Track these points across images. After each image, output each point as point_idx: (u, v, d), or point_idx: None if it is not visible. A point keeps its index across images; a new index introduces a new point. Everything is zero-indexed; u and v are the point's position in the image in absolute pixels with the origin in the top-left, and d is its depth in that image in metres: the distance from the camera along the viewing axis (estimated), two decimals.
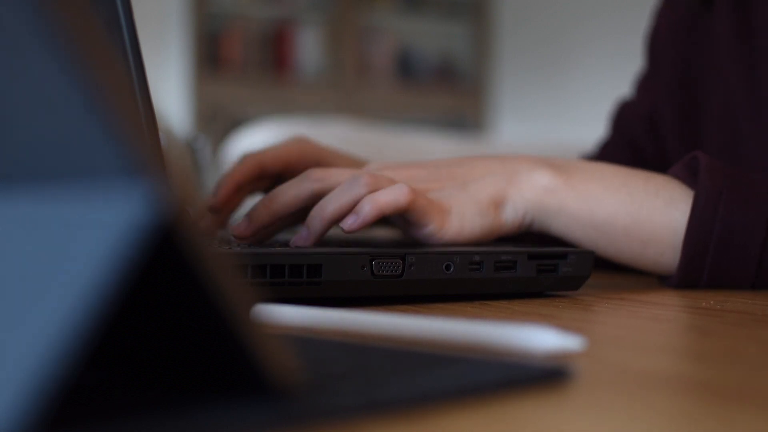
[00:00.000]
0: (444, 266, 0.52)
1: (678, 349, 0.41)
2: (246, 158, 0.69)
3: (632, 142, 0.89)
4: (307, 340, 0.35)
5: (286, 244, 0.56)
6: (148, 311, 0.26)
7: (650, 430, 0.25)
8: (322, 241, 0.57)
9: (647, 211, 0.60)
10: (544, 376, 0.29)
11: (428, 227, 0.57)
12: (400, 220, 0.58)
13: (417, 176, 0.60)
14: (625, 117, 0.91)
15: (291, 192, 0.58)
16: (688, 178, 0.61)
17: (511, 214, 0.60)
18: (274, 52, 3.88)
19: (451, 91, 4.17)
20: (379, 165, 0.62)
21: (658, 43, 0.89)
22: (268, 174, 0.70)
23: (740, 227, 0.58)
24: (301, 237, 0.55)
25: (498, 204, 0.59)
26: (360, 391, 0.27)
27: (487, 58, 4.21)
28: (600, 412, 0.26)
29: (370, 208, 0.54)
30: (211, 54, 3.74)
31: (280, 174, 0.70)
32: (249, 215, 0.58)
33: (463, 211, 0.58)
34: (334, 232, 0.58)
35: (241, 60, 3.81)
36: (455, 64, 4.23)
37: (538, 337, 0.33)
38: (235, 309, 0.24)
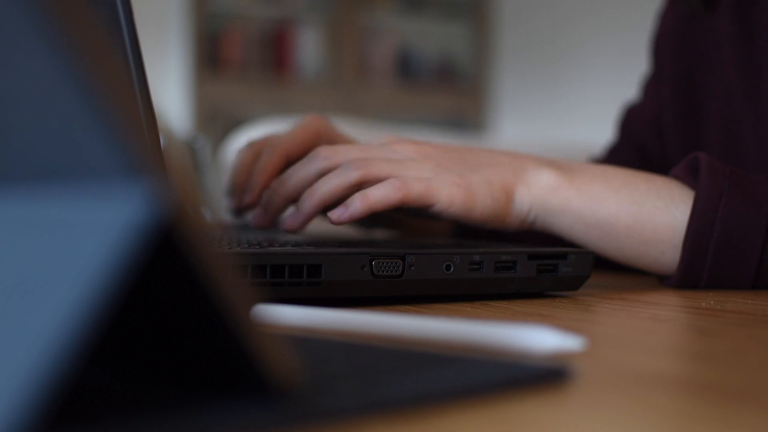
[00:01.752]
0: (444, 266, 0.52)
1: (678, 349, 0.41)
2: (273, 151, 0.68)
3: (640, 146, 0.89)
4: (307, 340, 0.35)
5: (286, 244, 0.56)
6: (149, 311, 0.26)
7: (650, 430, 0.25)
8: (322, 241, 0.57)
9: (648, 211, 0.60)
10: (544, 376, 0.29)
11: (436, 205, 0.57)
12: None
13: (426, 152, 0.60)
14: (632, 121, 0.91)
15: (300, 174, 0.58)
16: (689, 178, 0.61)
17: (518, 207, 0.60)
18: (274, 52, 3.88)
19: (451, 91, 4.17)
20: (390, 139, 0.62)
21: (662, 45, 0.89)
22: (292, 161, 0.69)
23: (740, 228, 0.58)
24: (291, 217, 0.55)
25: (508, 192, 0.60)
26: (360, 391, 0.27)
27: (487, 58, 4.21)
28: (600, 412, 0.26)
29: (360, 203, 0.54)
30: (211, 54, 3.74)
31: (300, 158, 0.70)
32: (264, 205, 0.58)
33: (475, 189, 0.58)
34: (333, 231, 0.58)
35: (241, 60, 3.81)
36: (455, 64, 4.23)
37: (538, 337, 0.33)
38: (235, 309, 0.24)
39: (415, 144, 0.61)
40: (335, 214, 0.54)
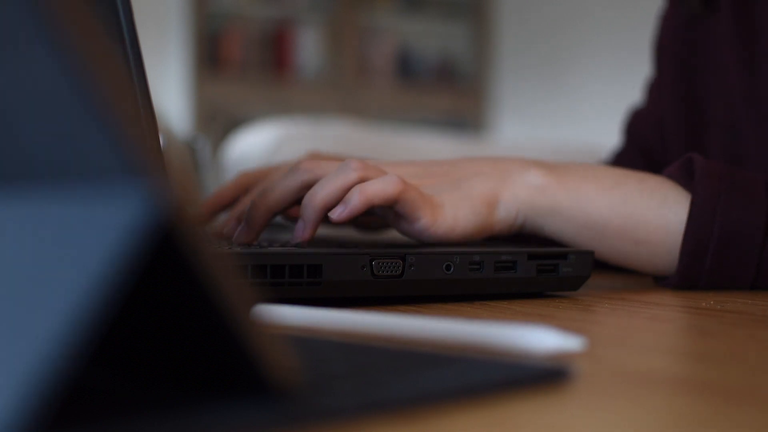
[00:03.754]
0: (444, 266, 0.52)
1: (678, 349, 0.41)
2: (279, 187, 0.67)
3: (645, 149, 0.89)
4: (307, 340, 0.35)
5: (286, 244, 0.55)
6: (149, 311, 0.26)
7: (650, 430, 0.25)
8: (322, 241, 0.57)
9: (641, 212, 0.60)
10: (544, 376, 0.29)
11: (420, 221, 0.57)
12: (391, 214, 0.57)
13: (409, 172, 0.60)
14: (636, 125, 0.91)
15: (280, 187, 0.57)
16: (684, 179, 0.60)
17: (503, 213, 0.59)
18: (274, 52, 3.88)
19: (451, 91, 4.17)
20: (372, 164, 0.62)
21: (663, 48, 0.89)
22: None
23: (739, 229, 0.58)
24: (298, 229, 0.55)
25: (491, 203, 0.59)
26: (360, 391, 0.27)
27: (487, 58, 4.21)
28: (600, 412, 0.26)
29: (358, 197, 0.54)
30: (211, 54, 3.74)
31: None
32: (246, 221, 0.57)
33: (456, 207, 0.58)
34: (334, 233, 0.58)
35: (241, 60, 3.81)
36: (455, 64, 4.23)
37: (538, 337, 0.33)
38: (235, 309, 0.24)
39: (394, 165, 0.60)
40: (335, 212, 0.54)
